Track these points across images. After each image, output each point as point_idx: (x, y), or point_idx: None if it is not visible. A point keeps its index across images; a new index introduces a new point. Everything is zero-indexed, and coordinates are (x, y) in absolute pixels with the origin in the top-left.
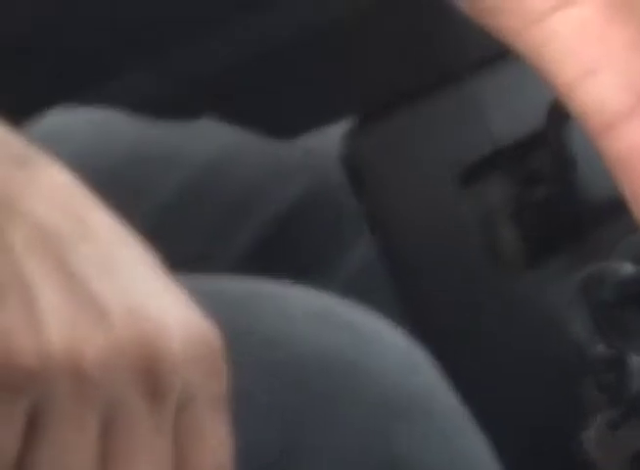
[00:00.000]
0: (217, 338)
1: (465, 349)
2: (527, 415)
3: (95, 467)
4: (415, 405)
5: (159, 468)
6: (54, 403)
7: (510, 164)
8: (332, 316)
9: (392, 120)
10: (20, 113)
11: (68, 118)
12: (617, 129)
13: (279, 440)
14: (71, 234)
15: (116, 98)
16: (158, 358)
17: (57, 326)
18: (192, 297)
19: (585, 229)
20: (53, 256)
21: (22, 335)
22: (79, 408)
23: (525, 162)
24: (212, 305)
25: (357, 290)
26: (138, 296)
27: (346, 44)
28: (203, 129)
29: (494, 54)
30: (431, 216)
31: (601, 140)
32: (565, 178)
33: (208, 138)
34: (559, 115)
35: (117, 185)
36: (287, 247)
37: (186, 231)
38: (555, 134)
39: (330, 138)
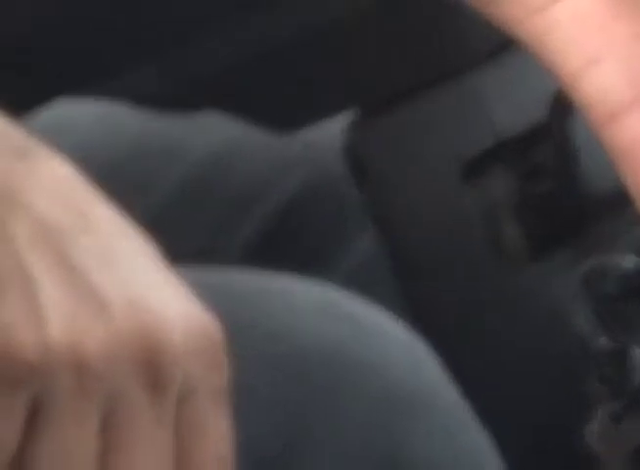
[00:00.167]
0: (218, 330)
1: (467, 342)
2: (530, 409)
3: (96, 460)
4: (418, 401)
5: (159, 461)
6: (55, 397)
7: (513, 158)
8: (334, 309)
9: (395, 113)
10: (20, 110)
11: (70, 110)
12: (620, 120)
13: (281, 433)
14: (72, 227)
15: (117, 96)
16: (158, 351)
17: (58, 319)
18: (193, 289)
19: (589, 222)
20: (54, 249)
21: (22, 328)
22: (80, 402)
23: (529, 155)
24: (215, 298)
25: (359, 283)
26: (139, 288)
27: (348, 38)
28: (205, 123)
29: (496, 46)
30: (433, 210)
31: (604, 131)
32: (568, 171)
33: (211, 132)
34: (562, 107)
35: (120, 178)
36: (288, 240)
37: (188, 224)
38: (558, 127)
39: (331, 131)
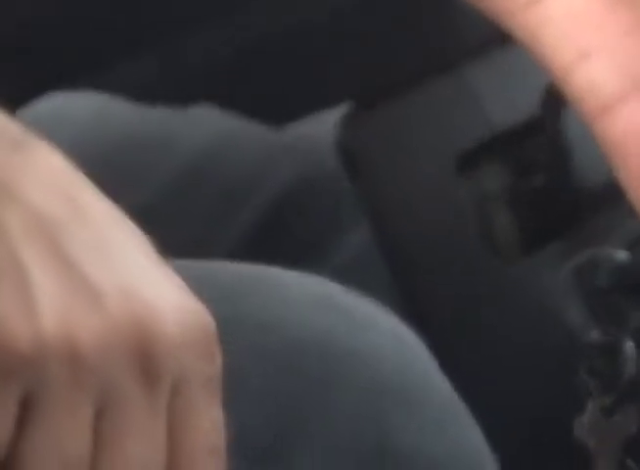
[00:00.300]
0: (211, 321)
1: (460, 335)
2: (522, 402)
3: (89, 451)
4: (409, 394)
5: (152, 451)
6: (48, 388)
7: (506, 151)
8: (327, 301)
9: (388, 107)
10: (17, 99)
11: (65, 103)
12: (611, 113)
13: (273, 424)
14: (66, 218)
15: (115, 87)
16: (152, 342)
17: (51, 311)
18: (186, 281)
19: (581, 215)
20: (48, 240)
21: (16, 320)
22: (73, 393)
23: (522, 148)
24: (207, 290)
25: (352, 275)
26: (132, 279)
27: (343, 32)
28: (199, 116)
29: (490, 40)
30: (426, 203)
31: (596, 124)
32: (561, 165)
33: (205, 125)
34: (555, 101)
35: (113, 170)
36: (281, 232)
37: (181, 217)
38: (551, 120)
39: (325, 124)
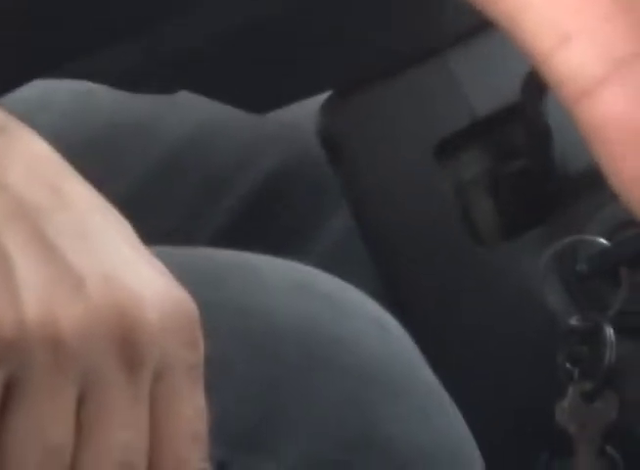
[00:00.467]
0: (194, 308)
1: (443, 324)
2: (504, 388)
3: (71, 437)
4: (392, 381)
5: (134, 437)
6: (31, 373)
7: (486, 137)
8: (308, 287)
9: (370, 94)
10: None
11: (48, 89)
12: (591, 97)
13: (256, 410)
14: (48, 204)
15: (97, 73)
16: (134, 328)
17: (34, 297)
18: (169, 267)
19: (562, 202)
20: (29, 226)
21: None
22: (56, 378)
23: (502, 134)
24: (189, 276)
25: (335, 263)
26: (114, 265)
27: (326, 18)
28: (182, 103)
29: (472, 27)
30: (407, 189)
31: (576, 109)
32: (541, 151)
33: (188, 112)
34: (535, 87)
35: (97, 157)
36: (265, 220)
37: (163, 204)
38: (531, 106)
39: (309, 111)
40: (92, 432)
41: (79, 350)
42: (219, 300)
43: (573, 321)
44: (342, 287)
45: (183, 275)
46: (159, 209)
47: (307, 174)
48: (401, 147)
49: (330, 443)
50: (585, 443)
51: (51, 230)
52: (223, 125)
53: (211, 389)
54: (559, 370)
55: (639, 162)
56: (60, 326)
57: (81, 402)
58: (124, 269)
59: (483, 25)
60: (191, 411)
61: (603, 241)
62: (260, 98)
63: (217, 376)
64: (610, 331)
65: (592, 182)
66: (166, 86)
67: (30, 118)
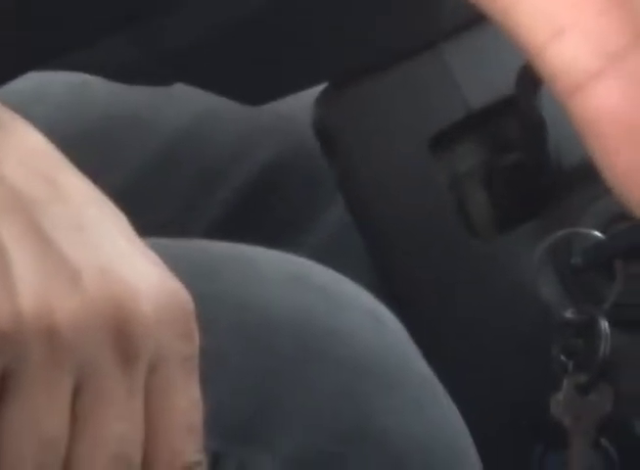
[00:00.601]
0: (189, 300)
1: (438, 317)
2: (499, 381)
3: (66, 429)
4: (387, 373)
5: (129, 429)
6: (26, 366)
7: (481, 130)
8: (303, 280)
9: (364, 86)
10: None
11: (43, 81)
12: (585, 91)
13: (251, 402)
14: (43, 196)
15: (91, 66)
16: (129, 320)
17: (30, 290)
18: (164, 260)
19: (557, 195)
20: (25, 218)
21: None
22: (51, 371)
23: (497, 127)
24: (185, 268)
25: (330, 255)
26: (110, 258)
27: (322, 11)
28: (178, 95)
29: (466, 20)
30: (402, 182)
31: (570, 102)
32: (536, 144)
33: (184, 104)
34: (529, 80)
35: (93, 149)
36: (260, 212)
37: (159, 196)
38: (525, 100)
39: (305, 103)
40: (87, 424)
41: (75, 342)
42: (215, 292)
43: (568, 314)
44: (337, 279)
45: (178, 267)
46: (154, 201)
47: (302, 166)
48: (396, 139)
49: (325, 434)
50: (580, 435)
51: (47, 222)
52: (219, 117)
53: (206, 381)
54: (553, 363)
55: (632, 155)
56: (55, 318)
57: (76, 395)
58: (120, 262)
59: (478, 19)
60: (186, 403)
61: (597, 234)
62: (256, 90)
63: (212, 368)
64: (604, 324)
65: (586, 175)
66: (162, 79)
67: (25, 111)
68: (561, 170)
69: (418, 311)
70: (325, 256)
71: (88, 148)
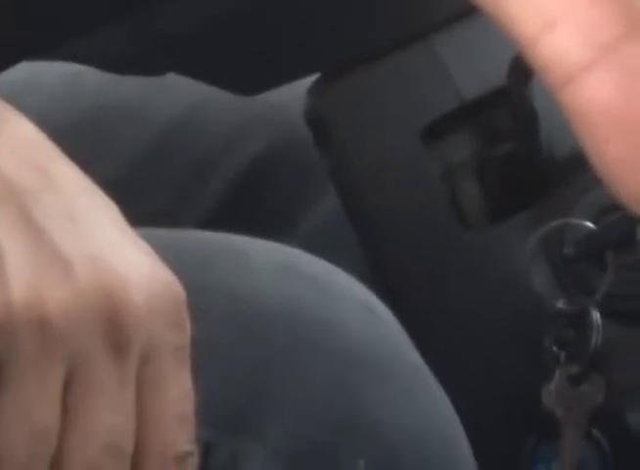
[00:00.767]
0: (181, 290)
1: (430, 308)
2: (492, 372)
3: (57, 419)
4: (379, 363)
5: (121, 419)
6: (17, 356)
7: (473, 121)
8: (295, 270)
9: (356, 76)
10: None
11: (36, 71)
12: (576, 82)
13: (243, 393)
14: (35, 186)
15: (85, 56)
16: (121, 310)
17: (21, 280)
18: (156, 250)
19: (549, 185)
20: (18, 210)
21: None
22: (42, 361)
23: (489, 118)
24: (176, 258)
25: (322, 245)
26: (101, 248)
27: (313, 2)
28: (171, 85)
29: (458, 11)
30: (395, 172)
31: (561, 94)
32: (527, 135)
33: (176, 94)
34: (520, 72)
35: (85, 139)
36: (252, 202)
37: (151, 186)
38: (517, 91)
39: (297, 93)
40: (78, 414)
41: (66, 332)
42: (207, 282)
43: (560, 305)
44: (330, 270)
45: (170, 257)
46: (146, 191)
47: (294, 156)
48: (388, 130)
49: (316, 425)
50: (572, 426)
51: (38, 212)
52: (211, 107)
53: (198, 371)
54: (545, 354)
55: (623, 146)
56: (47, 308)
57: (68, 385)
58: (111, 252)
59: (470, 10)
60: (177, 393)
61: (589, 225)
62: (249, 80)
63: (204, 358)
64: (596, 314)
65: (578, 166)
66: (155, 68)
67: (18, 101)
68: (553, 161)
69: (410, 302)
70: (317, 246)
71: (80, 138)
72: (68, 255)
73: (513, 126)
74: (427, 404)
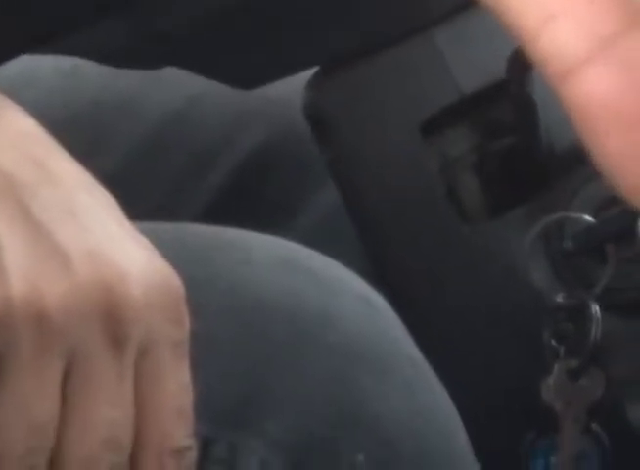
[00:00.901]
0: (179, 284)
1: (429, 303)
2: (491, 366)
3: (56, 413)
4: (378, 357)
5: (119, 413)
6: (16, 350)
7: (472, 115)
8: (293, 263)
9: (356, 70)
10: None
11: (32, 65)
12: (576, 75)
13: (242, 387)
14: (35, 182)
15: (83, 50)
16: (119, 304)
17: (19, 274)
18: (154, 244)
19: (548, 179)
20: (16, 203)
21: None
22: (41, 355)
23: (488, 112)
24: (175, 252)
25: (321, 239)
26: (100, 242)
27: None
28: (168, 79)
29: (458, 5)
30: (394, 166)
31: (561, 87)
32: (527, 128)
33: (173, 87)
34: (520, 65)
35: (82, 133)
36: (250, 196)
37: (151, 180)
38: (517, 84)
39: (295, 87)
40: (77, 408)
41: (65, 326)
42: (206, 276)
43: (559, 298)
44: (329, 264)
45: (169, 252)
46: (145, 185)
47: (292, 150)
48: (387, 124)
49: (316, 420)
50: (571, 420)
51: (37, 206)
52: (209, 101)
53: (197, 365)
54: (545, 347)
55: (622, 140)
56: (45, 302)
57: (66, 379)
58: (110, 246)
59: (469, 3)
60: (176, 387)
61: (588, 218)
62: (247, 74)
63: (203, 352)
64: (595, 308)
65: (577, 160)
66: (153, 62)
67: (16, 95)
68: (552, 155)
69: (409, 296)
70: (317, 239)
71: (78, 132)
72: (67, 249)
73: (512, 120)
74: (426, 399)
